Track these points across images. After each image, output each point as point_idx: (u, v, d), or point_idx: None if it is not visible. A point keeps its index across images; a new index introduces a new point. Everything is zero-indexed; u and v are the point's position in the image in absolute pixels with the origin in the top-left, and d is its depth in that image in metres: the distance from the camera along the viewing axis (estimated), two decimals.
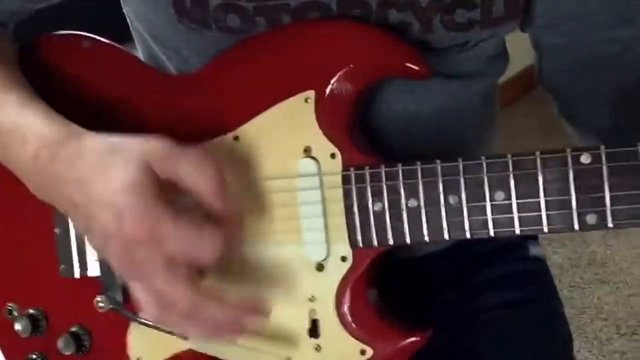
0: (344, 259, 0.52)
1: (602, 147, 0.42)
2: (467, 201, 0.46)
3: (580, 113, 0.63)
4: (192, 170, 0.47)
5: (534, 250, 0.70)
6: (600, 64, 0.59)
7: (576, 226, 0.42)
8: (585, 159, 0.42)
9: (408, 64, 0.51)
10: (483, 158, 0.46)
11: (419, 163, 0.48)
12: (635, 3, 0.57)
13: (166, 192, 0.46)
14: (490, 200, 0.45)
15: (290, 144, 0.53)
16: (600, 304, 1.62)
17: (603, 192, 0.41)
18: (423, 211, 0.47)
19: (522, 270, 0.68)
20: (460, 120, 0.63)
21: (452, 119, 0.62)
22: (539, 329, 0.66)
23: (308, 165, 0.52)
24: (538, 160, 0.43)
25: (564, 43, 0.60)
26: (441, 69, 0.57)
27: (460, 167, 0.46)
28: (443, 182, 0.47)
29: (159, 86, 0.58)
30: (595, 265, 1.69)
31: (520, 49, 0.68)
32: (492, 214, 0.45)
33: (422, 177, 0.47)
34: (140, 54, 0.66)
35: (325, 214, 0.51)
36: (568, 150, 0.42)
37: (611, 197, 0.41)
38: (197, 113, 0.56)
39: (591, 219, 0.42)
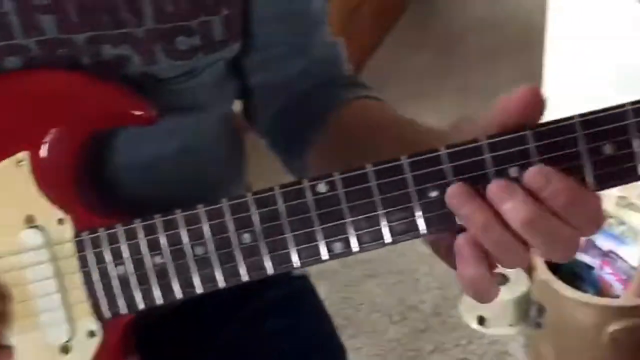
0: (92, 334, 0.46)
1: (337, 173, 0.41)
2: (216, 249, 0.43)
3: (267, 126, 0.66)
4: None
5: (296, 271, 0.70)
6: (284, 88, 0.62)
7: (325, 257, 0.42)
8: (322, 187, 0.41)
9: (132, 112, 0.47)
10: (224, 201, 0.43)
11: (158, 216, 0.44)
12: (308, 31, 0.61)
13: None
14: (239, 245, 0.43)
15: (8, 215, 0.46)
16: (372, 297, 1.72)
17: (344, 218, 0.42)
18: (171, 267, 0.44)
19: (287, 293, 0.68)
20: (203, 156, 0.61)
21: (194, 157, 0.59)
22: (311, 348, 0.66)
23: (32, 236, 0.45)
24: (277, 194, 0.42)
25: (270, 67, 0.61)
26: (172, 103, 0.54)
27: (202, 214, 0.43)
28: (188, 232, 0.44)
29: None
30: (363, 262, 1.79)
31: None
32: (243, 259, 0.43)
33: (164, 230, 0.44)
34: None
35: (62, 289, 0.45)
36: (305, 181, 0.42)
37: (353, 222, 0.41)
38: None
39: (338, 246, 0.42)
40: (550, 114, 0.40)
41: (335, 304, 1.69)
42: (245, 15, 0.58)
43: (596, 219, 0.39)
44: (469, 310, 1.57)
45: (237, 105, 0.67)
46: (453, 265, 0.41)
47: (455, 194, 0.39)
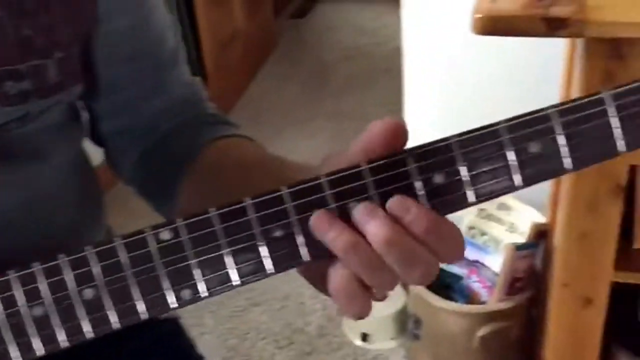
0: None
1: (180, 219, 0.41)
2: (56, 308, 0.41)
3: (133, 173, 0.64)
4: None
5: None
6: (143, 131, 0.61)
7: (174, 305, 0.41)
8: (166, 235, 0.40)
9: None
10: (62, 256, 0.41)
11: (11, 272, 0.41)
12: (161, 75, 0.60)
13: None
14: (81, 300, 0.41)
15: None
16: (257, 325, 1.70)
17: (190, 264, 0.41)
18: (7, 332, 0.41)
19: (154, 338, 0.66)
20: (51, 205, 0.57)
21: (41, 206, 0.56)
22: None
23: None
24: (119, 246, 0.40)
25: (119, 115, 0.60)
26: (8, 151, 0.51)
27: (39, 272, 0.41)
28: (24, 293, 0.41)
29: None
30: (247, 291, 1.77)
31: None
32: (87, 315, 0.41)
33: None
34: None
35: None
36: (148, 229, 0.41)
37: (199, 268, 0.41)
38: None
39: (186, 293, 0.41)
40: (411, 137, 0.41)
41: (221, 336, 1.66)
42: (87, 56, 0.56)
43: (455, 246, 0.41)
44: (352, 328, 1.60)
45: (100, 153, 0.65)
46: (327, 293, 0.42)
47: (320, 220, 0.40)
